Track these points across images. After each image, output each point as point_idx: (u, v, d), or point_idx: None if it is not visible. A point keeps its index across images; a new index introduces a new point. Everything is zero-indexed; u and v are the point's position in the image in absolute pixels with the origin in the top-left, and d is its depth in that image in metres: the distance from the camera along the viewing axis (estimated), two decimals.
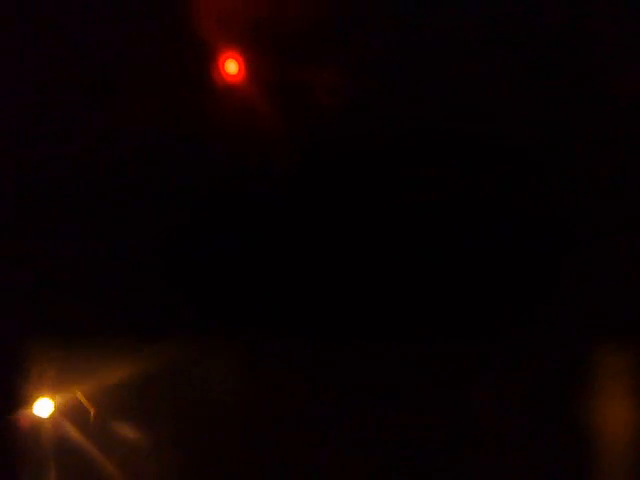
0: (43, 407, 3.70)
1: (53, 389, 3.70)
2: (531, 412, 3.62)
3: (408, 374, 3.61)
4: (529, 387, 3.60)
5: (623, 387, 3.51)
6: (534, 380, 3.59)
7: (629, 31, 3.31)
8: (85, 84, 3.50)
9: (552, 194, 3.51)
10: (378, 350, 3.59)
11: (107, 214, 3.59)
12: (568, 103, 3.45)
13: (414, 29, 3.44)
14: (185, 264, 3.61)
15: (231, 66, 3.50)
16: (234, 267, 3.60)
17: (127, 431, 3.75)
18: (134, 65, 3.47)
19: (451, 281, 3.59)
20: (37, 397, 3.67)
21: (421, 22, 3.45)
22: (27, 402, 3.65)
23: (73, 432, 3.73)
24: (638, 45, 3.31)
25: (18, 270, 3.58)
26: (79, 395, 3.74)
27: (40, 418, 3.69)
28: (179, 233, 3.59)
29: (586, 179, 3.47)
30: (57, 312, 3.62)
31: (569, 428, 3.55)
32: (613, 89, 3.39)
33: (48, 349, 3.62)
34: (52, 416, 3.72)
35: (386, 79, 3.50)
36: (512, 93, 3.49)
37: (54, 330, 3.62)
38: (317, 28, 3.41)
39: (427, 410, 3.62)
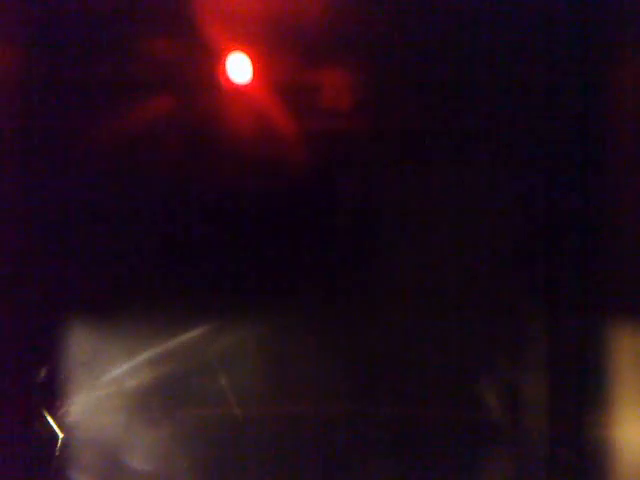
0: None
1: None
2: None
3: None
4: None
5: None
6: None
7: None
8: (90, 86, 3.48)
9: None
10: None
11: (113, 219, 3.53)
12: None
13: (422, 31, 3.46)
14: (192, 269, 3.56)
15: (239, 68, 3.48)
16: (243, 274, 3.54)
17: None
18: (139, 67, 3.46)
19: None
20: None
21: (430, 23, 3.46)
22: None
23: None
24: None
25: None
26: (48, 417, 3.50)
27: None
28: (185, 233, 3.55)
29: None
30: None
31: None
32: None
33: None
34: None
35: (397, 80, 3.49)
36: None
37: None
38: (326, 29, 3.42)
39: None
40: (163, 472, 3.54)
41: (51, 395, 3.52)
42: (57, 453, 3.49)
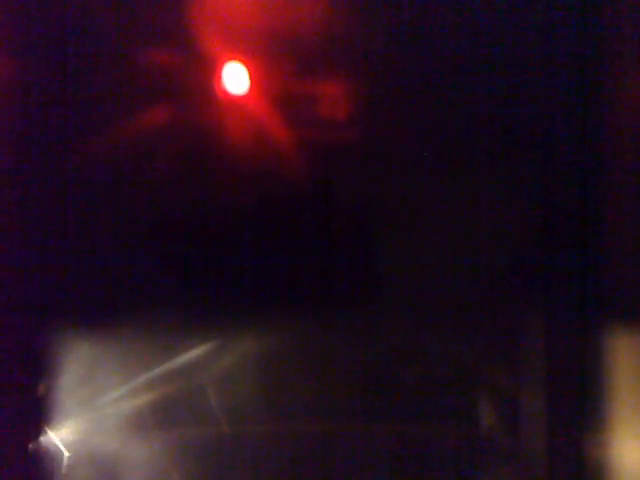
0: None
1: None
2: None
3: None
4: None
5: None
6: None
7: None
8: (82, 98, 3.43)
9: None
10: None
11: (111, 236, 3.48)
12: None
13: (421, 41, 3.43)
14: (192, 287, 3.52)
15: (235, 78, 3.43)
16: (243, 293, 3.51)
17: None
18: (133, 78, 3.40)
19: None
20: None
21: (429, 34, 3.43)
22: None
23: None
24: None
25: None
26: (51, 435, 3.45)
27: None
28: (181, 245, 3.49)
29: None
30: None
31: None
32: None
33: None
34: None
35: (394, 90, 3.44)
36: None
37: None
38: (323, 39, 3.39)
39: None
40: None
41: (50, 413, 3.49)
42: (58, 472, 3.45)
